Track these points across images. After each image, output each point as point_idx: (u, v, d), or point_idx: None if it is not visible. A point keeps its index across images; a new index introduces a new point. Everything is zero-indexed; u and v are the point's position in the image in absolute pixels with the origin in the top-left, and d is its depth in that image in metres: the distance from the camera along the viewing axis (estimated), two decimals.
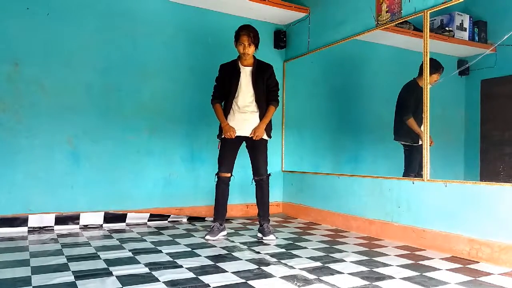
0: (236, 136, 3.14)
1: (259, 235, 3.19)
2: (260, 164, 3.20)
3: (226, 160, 3.18)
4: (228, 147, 3.18)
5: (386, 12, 3.29)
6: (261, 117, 3.15)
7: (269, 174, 3.25)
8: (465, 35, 3.09)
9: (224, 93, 3.17)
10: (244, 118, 3.14)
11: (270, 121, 3.22)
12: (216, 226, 3.14)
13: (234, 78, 3.12)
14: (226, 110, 3.16)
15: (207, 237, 3.09)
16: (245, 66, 3.15)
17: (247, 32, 3.05)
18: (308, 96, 4.43)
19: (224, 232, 3.21)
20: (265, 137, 3.19)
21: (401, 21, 3.17)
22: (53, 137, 3.42)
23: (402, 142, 3.33)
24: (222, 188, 3.18)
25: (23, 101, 3.32)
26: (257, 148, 3.20)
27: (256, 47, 3.13)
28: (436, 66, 2.95)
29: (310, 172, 4.16)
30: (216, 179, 3.19)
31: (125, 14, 3.73)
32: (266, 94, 3.19)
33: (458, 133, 3.30)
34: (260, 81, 3.15)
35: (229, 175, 3.18)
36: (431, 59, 2.92)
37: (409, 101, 3.25)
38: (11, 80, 3.28)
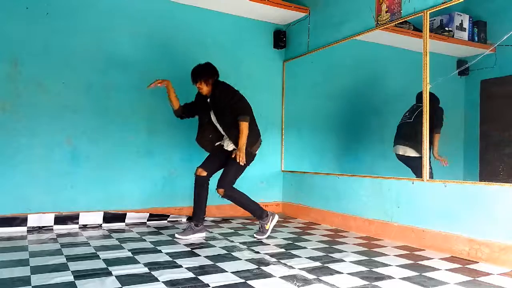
0: (224, 148, 3.20)
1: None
2: (222, 175, 3.12)
3: (206, 160, 3.21)
4: (214, 152, 3.23)
5: (386, 12, 3.29)
6: (233, 138, 3.07)
7: (224, 191, 3.08)
8: (465, 35, 3.09)
9: (191, 110, 3.31)
10: (225, 138, 3.21)
11: (255, 134, 3.19)
12: (190, 226, 3.12)
13: (205, 108, 3.19)
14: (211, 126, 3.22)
15: (177, 235, 3.06)
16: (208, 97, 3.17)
17: (193, 80, 3.10)
18: (308, 96, 4.43)
19: (202, 234, 3.16)
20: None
21: (400, 21, 3.17)
22: (53, 137, 3.42)
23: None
24: (197, 188, 3.16)
25: (23, 100, 3.31)
26: (230, 160, 3.12)
27: (207, 82, 3.07)
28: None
29: (310, 172, 4.16)
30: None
31: (124, 14, 3.73)
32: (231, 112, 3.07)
33: (458, 133, 3.30)
34: (218, 106, 3.09)
35: (204, 174, 3.14)
36: (430, 93, 2.91)
37: None
38: (11, 79, 3.28)
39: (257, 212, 3.21)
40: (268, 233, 3.18)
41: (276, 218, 3.26)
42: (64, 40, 3.47)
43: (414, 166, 3.17)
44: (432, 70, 2.90)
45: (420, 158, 2.93)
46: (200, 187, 3.16)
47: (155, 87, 3.20)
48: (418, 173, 3.01)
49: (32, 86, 3.35)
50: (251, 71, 4.36)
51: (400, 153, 3.33)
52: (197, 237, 3.12)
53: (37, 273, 2.10)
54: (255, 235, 3.17)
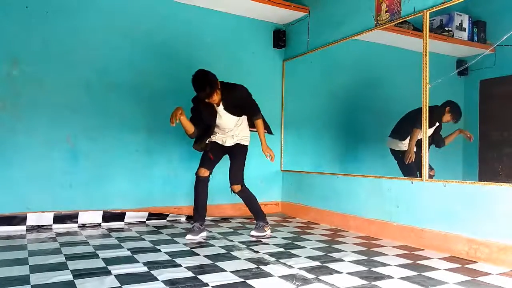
0: (220, 145, 3.20)
1: None
2: (233, 171, 3.16)
3: (205, 159, 3.18)
4: (211, 150, 3.20)
5: (386, 12, 3.29)
6: (240, 135, 3.18)
7: (243, 185, 3.18)
8: (464, 35, 3.09)
9: (199, 123, 3.12)
10: (227, 136, 3.20)
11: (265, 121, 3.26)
12: (197, 226, 3.12)
13: (212, 115, 3.09)
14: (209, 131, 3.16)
15: (189, 236, 3.05)
16: (217, 105, 3.08)
17: (206, 97, 2.92)
18: (307, 96, 4.43)
19: (204, 233, 3.17)
20: (244, 142, 3.21)
21: (400, 21, 3.17)
22: (52, 136, 3.41)
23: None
24: (200, 188, 3.14)
25: (22, 99, 3.31)
26: (234, 154, 3.21)
27: (218, 91, 2.95)
28: (456, 112, 3.12)
29: (309, 172, 4.16)
30: (195, 179, 3.17)
31: (124, 13, 3.73)
32: (245, 112, 3.19)
33: None
34: (234, 108, 3.10)
35: (207, 173, 3.15)
36: (453, 103, 3.06)
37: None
38: (10, 78, 3.28)
39: (261, 213, 3.27)
40: (266, 235, 3.20)
41: (269, 231, 3.29)
42: (64, 40, 3.46)
43: (397, 160, 3.41)
44: (431, 70, 2.90)
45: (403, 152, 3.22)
46: (204, 186, 3.16)
47: (177, 120, 2.95)
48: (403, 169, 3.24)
49: (32, 85, 3.34)
50: (251, 70, 4.36)
51: (388, 147, 3.56)
52: (203, 235, 3.14)
53: (36, 272, 2.09)
54: (253, 232, 3.19)
